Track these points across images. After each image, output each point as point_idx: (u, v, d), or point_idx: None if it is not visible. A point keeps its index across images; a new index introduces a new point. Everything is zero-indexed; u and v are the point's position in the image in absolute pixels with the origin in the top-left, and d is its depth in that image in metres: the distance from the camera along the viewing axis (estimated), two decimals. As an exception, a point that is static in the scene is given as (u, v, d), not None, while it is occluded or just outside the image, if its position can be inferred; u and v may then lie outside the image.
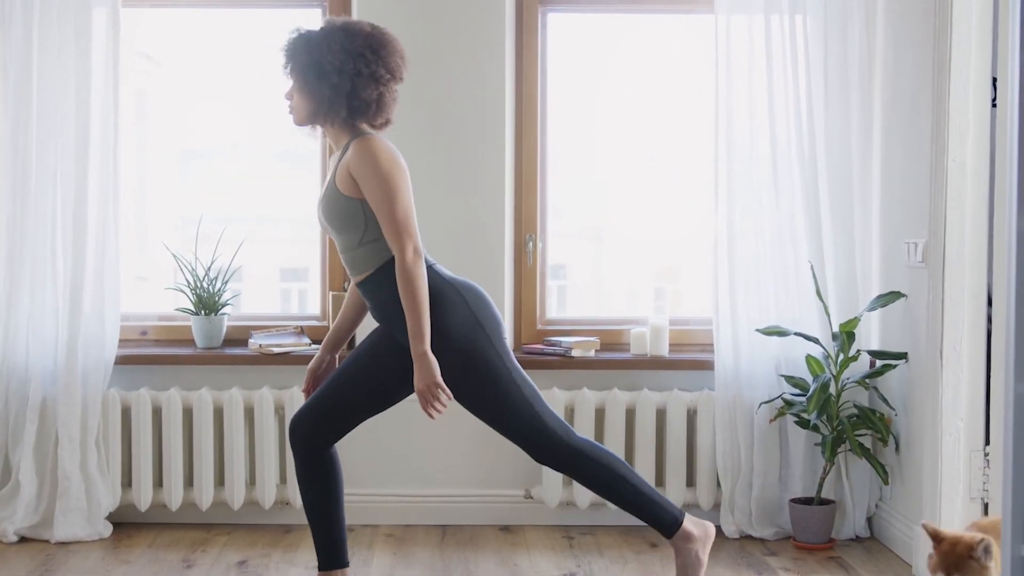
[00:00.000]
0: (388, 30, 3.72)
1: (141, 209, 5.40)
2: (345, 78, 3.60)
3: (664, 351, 4.96)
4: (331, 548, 3.83)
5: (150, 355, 4.95)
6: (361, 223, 3.61)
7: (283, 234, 5.63)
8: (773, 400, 4.79)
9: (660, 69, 5.27)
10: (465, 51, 4.94)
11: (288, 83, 3.72)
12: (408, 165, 3.72)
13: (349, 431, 3.81)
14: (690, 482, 4.98)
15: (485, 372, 3.63)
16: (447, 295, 3.63)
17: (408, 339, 3.58)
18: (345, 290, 5.07)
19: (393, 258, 3.60)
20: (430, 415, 3.58)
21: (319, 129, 3.77)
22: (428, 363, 3.54)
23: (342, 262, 3.77)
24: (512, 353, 3.74)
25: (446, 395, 3.57)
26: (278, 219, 5.54)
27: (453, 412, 3.87)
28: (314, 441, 3.75)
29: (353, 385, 3.76)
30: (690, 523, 3.79)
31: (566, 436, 3.70)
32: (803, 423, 4.70)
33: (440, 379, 3.55)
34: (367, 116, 3.67)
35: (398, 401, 3.84)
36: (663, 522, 3.77)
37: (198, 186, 5.46)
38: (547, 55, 5.13)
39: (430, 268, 3.64)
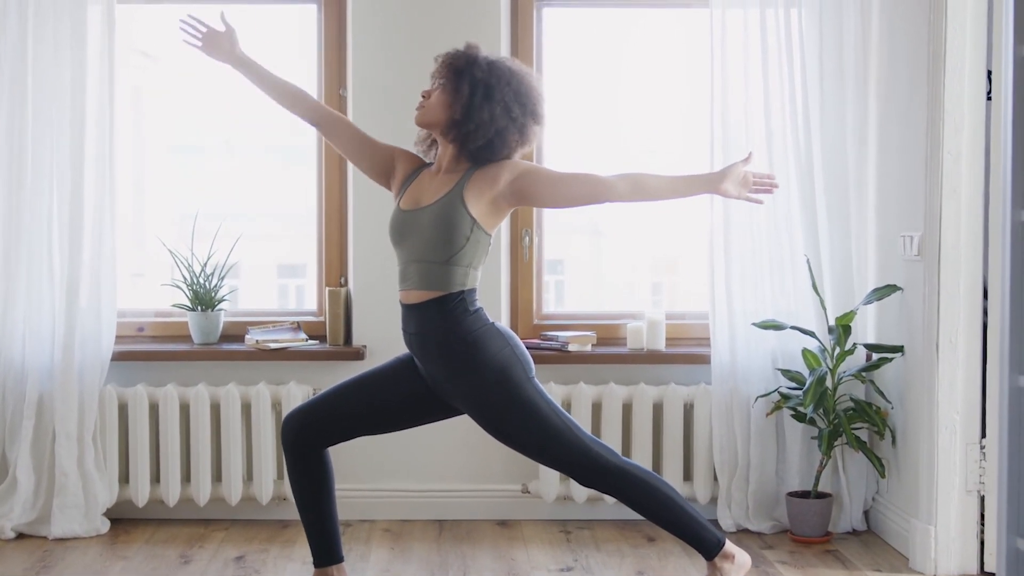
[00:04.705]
0: (547, 97, 3.76)
1: (137, 205, 5.40)
2: (503, 117, 3.61)
3: (661, 345, 4.96)
4: (325, 544, 3.84)
5: (147, 351, 4.95)
6: (461, 241, 3.60)
7: (280, 230, 5.62)
8: (770, 394, 4.79)
9: (656, 63, 5.27)
10: (460, 45, 4.92)
11: (434, 82, 3.71)
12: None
13: (341, 442, 3.81)
14: (687, 476, 4.98)
15: (524, 402, 3.64)
16: (489, 331, 3.64)
17: (439, 380, 3.68)
18: (342, 285, 5.08)
19: (456, 296, 3.61)
20: (769, 191, 3.84)
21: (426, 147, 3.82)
22: (720, 174, 3.76)
23: (403, 273, 3.70)
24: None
25: (766, 176, 3.83)
26: (275, 215, 5.53)
27: (449, 407, 3.87)
28: (304, 442, 3.75)
29: (358, 400, 3.77)
30: (731, 546, 3.79)
31: (612, 459, 3.70)
32: (800, 417, 4.70)
33: (741, 166, 3.76)
34: (490, 154, 3.65)
35: (397, 429, 3.88)
36: (706, 542, 3.76)
37: (194, 182, 5.45)
38: (542, 50, 5.13)
39: (476, 311, 3.66)
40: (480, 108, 3.60)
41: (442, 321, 3.62)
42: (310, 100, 3.90)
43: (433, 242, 3.61)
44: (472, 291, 3.66)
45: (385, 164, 3.86)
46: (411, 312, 3.69)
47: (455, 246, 3.60)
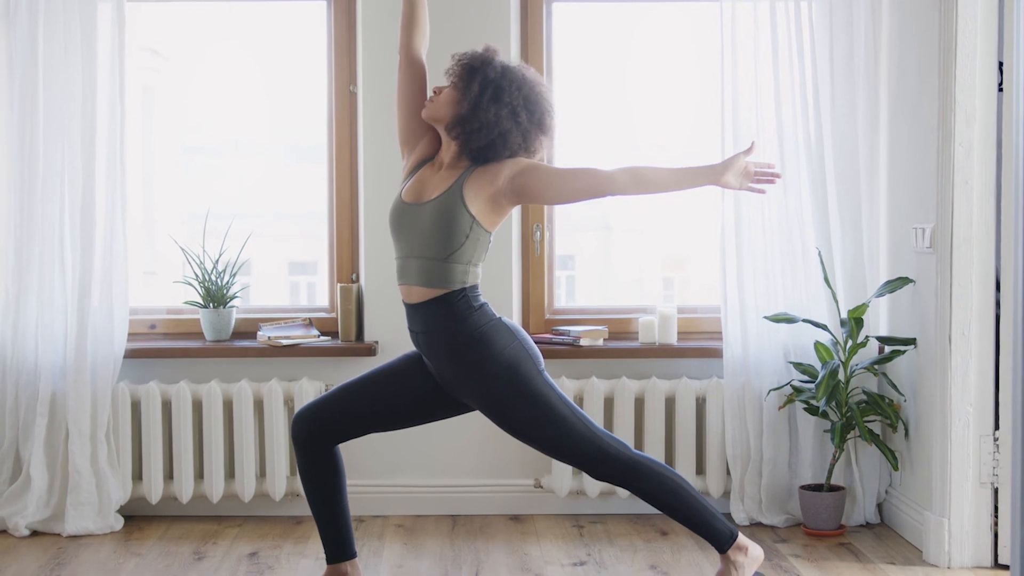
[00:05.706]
0: (558, 111, 3.78)
1: (148, 204, 5.41)
2: (509, 120, 3.62)
3: (673, 339, 4.96)
4: (337, 540, 3.84)
5: (159, 348, 4.96)
6: (461, 239, 3.60)
7: (291, 227, 5.64)
8: (782, 387, 4.78)
9: (666, 57, 5.27)
10: (471, 41, 4.90)
11: (446, 80, 3.73)
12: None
13: (351, 439, 3.81)
14: (700, 470, 4.98)
15: (534, 396, 3.64)
16: (496, 326, 3.65)
17: (448, 378, 3.67)
18: (354, 281, 5.08)
19: (458, 293, 3.61)
20: (771, 182, 3.77)
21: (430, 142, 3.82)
22: (721, 166, 3.69)
23: (401, 269, 3.71)
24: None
25: (767, 165, 3.75)
26: (286, 213, 5.55)
27: (461, 402, 3.87)
28: (314, 439, 3.76)
29: (368, 397, 3.77)
30: (744, 539, 3.79)
31: (624, 451, 3.70)
32: (812, 410, 4.70)
33: (743, 157, 3.70)
34: (491, 155, 3.66)
35: (408, 426, 3.88)
36: (719, 535, 3.76)
37: (205, 180, 5.46)
38: (552, 44, 5.13)
39: (481, 307, 3.66)
40: (487, 108, 3.61)
41: (447, 319, 3.62)
42: (421, 40, 3.88)
43: (433, 239, 3.62)
44: (474, 287, 3.66)
45: (418, 135, 3.85)
46: (416, 311, 3.69)
47: (454, 243, 3.60)
